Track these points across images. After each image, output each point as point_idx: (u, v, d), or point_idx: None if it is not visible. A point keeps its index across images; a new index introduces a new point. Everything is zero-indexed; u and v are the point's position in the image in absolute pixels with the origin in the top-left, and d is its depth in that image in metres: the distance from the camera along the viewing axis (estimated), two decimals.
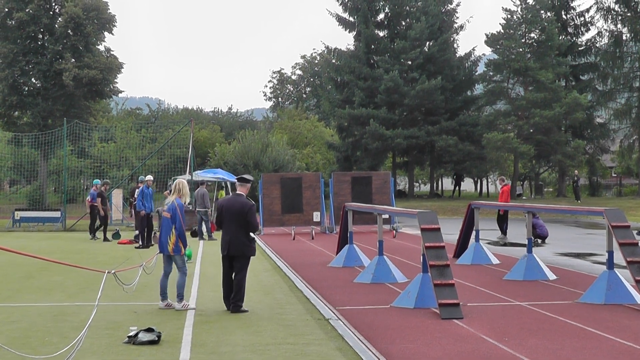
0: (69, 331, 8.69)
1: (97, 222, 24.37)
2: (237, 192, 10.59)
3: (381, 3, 53.39)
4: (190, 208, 27.18)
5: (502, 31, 48.44)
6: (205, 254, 18.55)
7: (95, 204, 24.79)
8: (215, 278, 13.52)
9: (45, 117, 45.81)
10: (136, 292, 11.32)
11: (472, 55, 52.81)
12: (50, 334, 8.68)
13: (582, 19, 51.62)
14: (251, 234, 10.44)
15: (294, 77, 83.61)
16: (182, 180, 10.79)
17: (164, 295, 10.55)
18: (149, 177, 21.85)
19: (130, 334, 8.26)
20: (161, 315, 9.98)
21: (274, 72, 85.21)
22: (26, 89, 46.91)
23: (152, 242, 20.34)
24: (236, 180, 11.00)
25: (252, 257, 10.51)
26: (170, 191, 10.87)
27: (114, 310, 10.22)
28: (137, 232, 21.61)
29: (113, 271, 8.64)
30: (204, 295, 11.73)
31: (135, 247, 20.41)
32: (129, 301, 10.92)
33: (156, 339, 8.17)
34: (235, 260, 10.32)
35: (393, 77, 47.57)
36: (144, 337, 8.14)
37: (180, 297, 10.43)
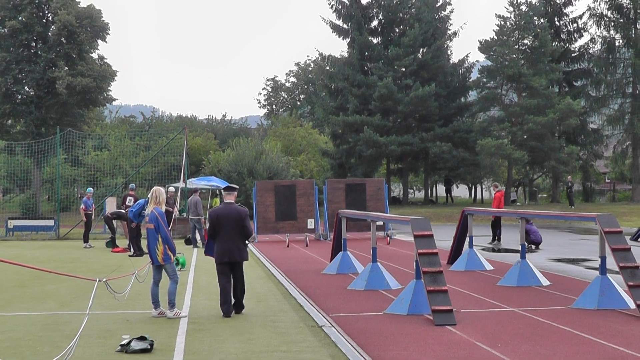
0: (61, 340, 8.66)
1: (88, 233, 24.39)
2: (227, 200, 10.80)
3: (375, 10, 53.47)
4: (184, 216, 27.15)
5: (496, 38, 48.54)
6: (198, 262, 18.53)
7: (90, 212, 24.75)
8: (209, 286, 13.49)
9: (39, 125, 45.72)
10: (129, 300, 11.29)
11: (466, 62, 52.91)
12: (42, 343, 8.64)
13: (575, 25, 51.81)
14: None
15: (288, 85, 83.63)
16: (158, 188, 10.90)
17: (156, 303, 10.53)
18: None
19: (123, 343, 8.23)
20: (154, 323, 9.95)
21: (268, 80, 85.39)
22: (19, 97, 46.81)
23: (145, 251, 20.30)
24: (223, 190, 11.33)
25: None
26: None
27: (107, 319, 10.19)
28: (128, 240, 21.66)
29: (104, 279, 8.62)
30: (197, 303, 11.71)
31: (129, 256, 20.36)
32: (121, 309, 10.89)
33: (149, 347, 8.16)
34: (236, 265, 10.70)
35: (387, 84, 47.60)
36: (136, 345, 8.12)
37: (172, 304, 10.41)
